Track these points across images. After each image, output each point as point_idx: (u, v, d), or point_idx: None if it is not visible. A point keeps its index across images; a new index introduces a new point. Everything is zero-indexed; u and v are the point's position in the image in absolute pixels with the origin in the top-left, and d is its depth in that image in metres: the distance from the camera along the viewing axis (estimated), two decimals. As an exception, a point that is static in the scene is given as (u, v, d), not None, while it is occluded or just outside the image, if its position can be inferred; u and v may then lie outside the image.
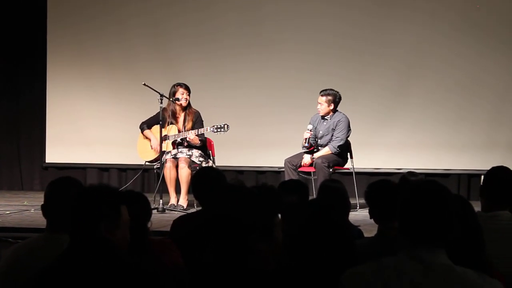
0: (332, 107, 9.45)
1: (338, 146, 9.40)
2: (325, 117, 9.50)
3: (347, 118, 9.47)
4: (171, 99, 9.38)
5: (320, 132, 9.51)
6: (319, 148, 9.49)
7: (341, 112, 9.50)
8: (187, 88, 9.49)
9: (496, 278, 3.48)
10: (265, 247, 2.82)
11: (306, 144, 9.39)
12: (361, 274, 2.80)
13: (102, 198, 3.22)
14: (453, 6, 10.84)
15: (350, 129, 9.51)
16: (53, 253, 3.25)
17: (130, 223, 3.38)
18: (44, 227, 3.77)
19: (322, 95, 9.47)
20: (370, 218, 4.38)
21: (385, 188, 4.32)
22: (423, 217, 2.78)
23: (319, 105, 9.48)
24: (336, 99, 9.45)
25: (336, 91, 9.47)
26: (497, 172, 4.54)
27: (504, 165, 4.66)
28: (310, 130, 9.42)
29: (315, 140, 9.51)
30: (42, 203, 3.79)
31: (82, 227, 3.16)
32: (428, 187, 2.85)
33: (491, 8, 10.78)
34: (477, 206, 4.41)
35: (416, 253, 2.77)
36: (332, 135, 9.45)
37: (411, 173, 6.18)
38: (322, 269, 2.86)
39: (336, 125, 9.44)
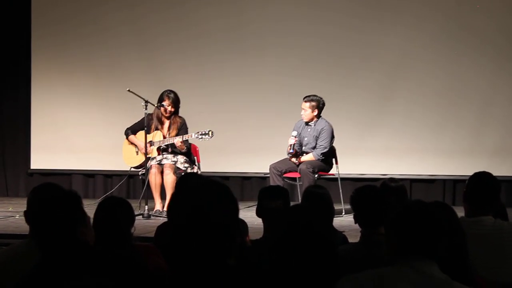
0: (316, 113, 9.46)
1: (322, 154, 9.42)
2: (309, 123, 9.51)
3: (331, 126, 9.50)
4: (156, 105, 9.37)
5: (305, 139, 9.53)
6: (304, 154, 9.51)
7: (324, 119, 9.52)
8: (173, 101, 9.43)
9: (479, 283, 3.51)
10: None
11: (291, 151, 9.38)
12: (357, 280, 2.90)
13: (72, 203, 3.31)
14: (439, 9, 10.84)
15: (333, 137, 9.54)
16: (36, 259, 3.24)
17: (113, 229, 3.42)
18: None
19: (305, 101, 9.49)
20: (355, 223, 4.40)
21: (370, 194, 4.34)
22: (415, 234, 2.91)
23: (302, 111, 9.49)
24: (319, 105, 9.47)
25: (319, 97, 9.49)
26: (480, 177, 4.56)
27: (488, 171, 4.68)
28: (295, 136, 9.42)
29: (300, 146, 9.51)
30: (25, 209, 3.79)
31: (61, 234, 3.20)
32: (418, 208, 2.99)
33: (478, 11, 10.79)
34: (462, 212, 4.44)
35: (411, 264, 2.87)
36: (316, 143, 9.48)
37: (391, 179, 6.21)
38: (304, 275, 2.87)
39: (319, 133, 9.46)
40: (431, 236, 2.90)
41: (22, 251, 3.65)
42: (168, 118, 9.49)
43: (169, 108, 9.41)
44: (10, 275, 3.42)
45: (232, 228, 2.61)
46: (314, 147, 9.48)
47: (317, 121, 9.50)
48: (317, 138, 9.48)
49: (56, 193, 3.66)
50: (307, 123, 9.53)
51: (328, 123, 9.50)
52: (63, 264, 3.00)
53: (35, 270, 3.04)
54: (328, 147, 9.48)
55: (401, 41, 10.91)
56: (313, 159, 9.41)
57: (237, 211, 2.67)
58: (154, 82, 10.85)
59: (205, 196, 2.61)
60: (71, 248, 3.12)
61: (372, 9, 10.98)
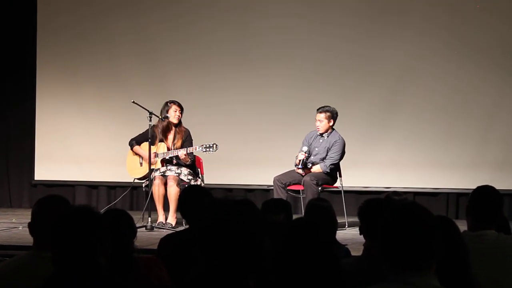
0: (331, 123, 9.44)
1: (330, 165, 9.38)
2: (323, 135, 9.48)
3: (343, 140, 9.48)
4: (160, 116, 9.39)
5: (316, 149, 9.48)
6: (311, 165, 9.47)
7: (337, 133, 9.51)
8: (180, 106, 9.50)
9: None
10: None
11: (300, 166, 9.36)
12: None
13: (96, 223, 3.13)
14: (442, 26, 10.86)
15: (344, 152, 9.52)
16: (40, 270, 3.24)
17: (114, 241, 3.33)
18: (31, 244, 3.77)
19: (320, 112, 9.45)
20: (360, 234, 4.39)
21: (379, 206, 4.32)
22: (405, 242, 2.74)
23: (318, 122, 9.45)
24: (334, 115, 9.45)
25: (332, 107, 9.49)
26: (483, 191, 4.55)
27: (491, 184, 4.67)
28: (305, 152, 9.39)
29: (308, 156, 9.47)
30: (30, 221, 3.79)
31: (76, 253, 3.04)
32: (408, 211, 2.82)
33: (480, 26, 10.81)
34: (465, 225, 4.43)
35: (405, 279, 2.73)
36: (327, 154, 9.44)
37: (395, 193, 6.19)
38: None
39: (332, 145, 9.43)
40: (422, 245, 2.72)
41: (26, 263, 3.66)
42: (174, 127, 9.51)
43: (177, 114, 9.46)
44: (13, 286, 3.42)
45: (257, 237, 2.56)
46: (323, 158, 9.44)
47: (331, 132, 9.48)
48: (328, 149, 9.44)
49: (64, 207, 3.60)
50: (321, 134, 9.49)
51: (342, 137, 9.49)
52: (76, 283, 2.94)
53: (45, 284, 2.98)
54: (338, 160, 9.45)
55: (405, 56, 10.92)
56: (320, 170, 9.37)
57: (260, 221, 2.62)
58: (158, 94, 10.87)
59: (228, 208, 2.57)
60: (86, 269, 3.01)
61: (376, 24, 10.99)
